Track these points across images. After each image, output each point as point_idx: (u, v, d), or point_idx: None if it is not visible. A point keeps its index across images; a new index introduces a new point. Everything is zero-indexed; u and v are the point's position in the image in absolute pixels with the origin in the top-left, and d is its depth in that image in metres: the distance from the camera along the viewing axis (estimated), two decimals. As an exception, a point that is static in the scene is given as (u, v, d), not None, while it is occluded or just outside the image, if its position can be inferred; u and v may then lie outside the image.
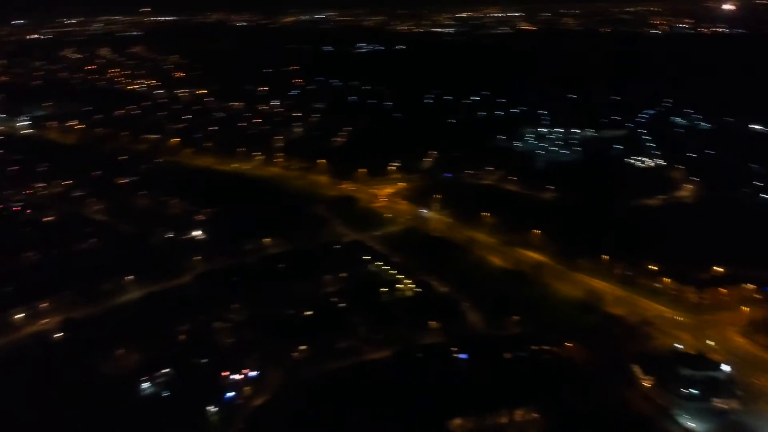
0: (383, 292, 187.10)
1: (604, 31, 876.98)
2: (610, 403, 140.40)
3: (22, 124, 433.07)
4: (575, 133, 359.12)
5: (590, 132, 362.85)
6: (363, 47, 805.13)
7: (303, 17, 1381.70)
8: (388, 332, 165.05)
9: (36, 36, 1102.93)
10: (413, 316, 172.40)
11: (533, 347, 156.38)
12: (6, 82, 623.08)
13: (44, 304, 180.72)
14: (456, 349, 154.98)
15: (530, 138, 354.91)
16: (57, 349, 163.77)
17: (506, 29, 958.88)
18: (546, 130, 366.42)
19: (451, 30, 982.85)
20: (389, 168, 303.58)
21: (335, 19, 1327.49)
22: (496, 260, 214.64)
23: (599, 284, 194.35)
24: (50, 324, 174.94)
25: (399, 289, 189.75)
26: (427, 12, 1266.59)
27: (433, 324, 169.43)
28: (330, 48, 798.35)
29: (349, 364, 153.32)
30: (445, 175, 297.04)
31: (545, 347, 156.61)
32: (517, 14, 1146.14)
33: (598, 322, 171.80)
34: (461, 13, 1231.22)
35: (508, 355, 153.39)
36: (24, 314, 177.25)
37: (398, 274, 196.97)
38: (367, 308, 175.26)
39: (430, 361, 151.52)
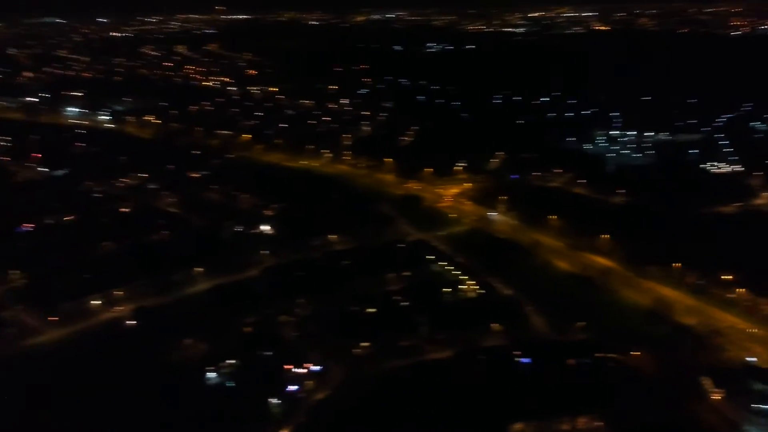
0: (446, 292, 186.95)
1: (681, 31, 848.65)
2: (677, 415, 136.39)
3: (103, 117, 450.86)
4: (648, 136, 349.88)
5: (664, 136, 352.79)
6: (432, 47, 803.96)
7: (374, 16, 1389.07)
8: (450, 333, 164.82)
9: (118, 33, 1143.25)
10: (476, 317, 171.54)
11: (598, 354, 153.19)
12: (89, 77, 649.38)
13: (119, 292, 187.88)
14: (518, 352, 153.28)
15: (601, 141, 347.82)
16: (129, 336, 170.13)
17: (579, 29, 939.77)
18: (618, 132, 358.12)
19: (522, 30, 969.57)
20: (455, 168, 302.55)
21: (405, 19, 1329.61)
22: (563, 264, 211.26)
23: (669, 292, 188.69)
24: (123, 311, 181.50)
25: (462, 290, 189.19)
26: (498, 12, 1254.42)
27: (495, 326, 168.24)
28: (399, 47, 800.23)
29: (411, 363, 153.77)
30: (512, 176, 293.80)
31: (611, 355, 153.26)
32: (590, 14, 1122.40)
33: (667, 331, 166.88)
34: (533, 12, 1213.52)
35: (571, 362, 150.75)
36: (100, 301, 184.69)
37: (462, 274, 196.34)
38: (429, 308, 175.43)
39: (491, 363, 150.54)
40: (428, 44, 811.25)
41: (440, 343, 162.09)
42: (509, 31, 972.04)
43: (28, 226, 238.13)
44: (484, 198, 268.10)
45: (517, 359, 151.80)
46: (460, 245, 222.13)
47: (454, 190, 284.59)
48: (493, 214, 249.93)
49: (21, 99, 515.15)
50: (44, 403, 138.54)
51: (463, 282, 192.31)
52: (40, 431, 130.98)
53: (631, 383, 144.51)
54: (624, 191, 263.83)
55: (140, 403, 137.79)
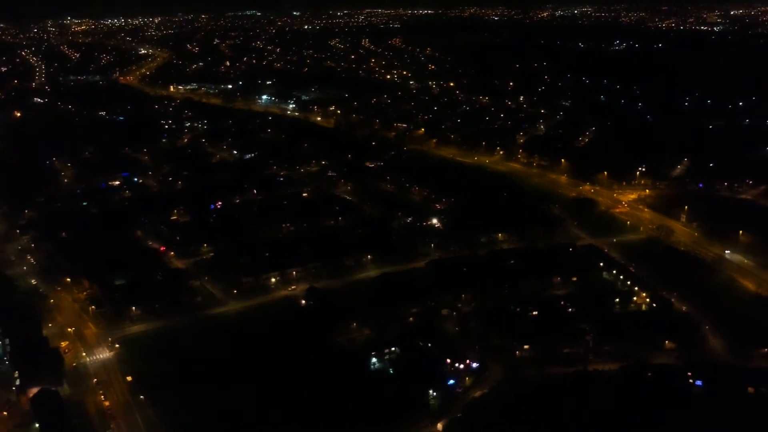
0: (616, 302, 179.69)
1: None
2: None
3: (291, 106, 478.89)
4: None
5: None
6: (618, 44, 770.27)
7: (558, 12, 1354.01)
8: (617, 345, 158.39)
9: (309, 27, 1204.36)
10: (647, 332, 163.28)
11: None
12: (280, 68, 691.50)
13: (294, 272, 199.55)
14: (691, 374, 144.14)
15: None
16: (301, 314, 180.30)
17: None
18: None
19: (719, 29, 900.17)
20: (635, 173, 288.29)
21: (591, 15, 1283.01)
22: (748, 284, 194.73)
23: None
24: (297, 291, 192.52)
25: (634, 301, 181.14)
26: (694, 8, 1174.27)
27: (668, 344, 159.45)
28: (583, 44, 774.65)
29: (573, 371, 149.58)
30: (698, 185, 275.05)
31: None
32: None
33: None
34: (734, 10, 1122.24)
35: (750, 390, 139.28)
36: (277, 279, 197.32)
37: (634, 285, 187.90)
38: (597, 317, 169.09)
39: (660, 382, 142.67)
40: (614, 42, 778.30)
41: (605, 355, 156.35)
42: (704, 30, 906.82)
43: (218, 204, 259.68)
44: (665, 206, 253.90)
45: (689, 381, 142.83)
46: (635, 254, 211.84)
47: (632, 196, 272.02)
48: (674, 224, 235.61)
49: (221, 86, 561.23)
50: (219, 368, 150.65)
51: (635, 293, 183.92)
52: (212, 392, 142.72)
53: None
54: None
55: (305, 379, 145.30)
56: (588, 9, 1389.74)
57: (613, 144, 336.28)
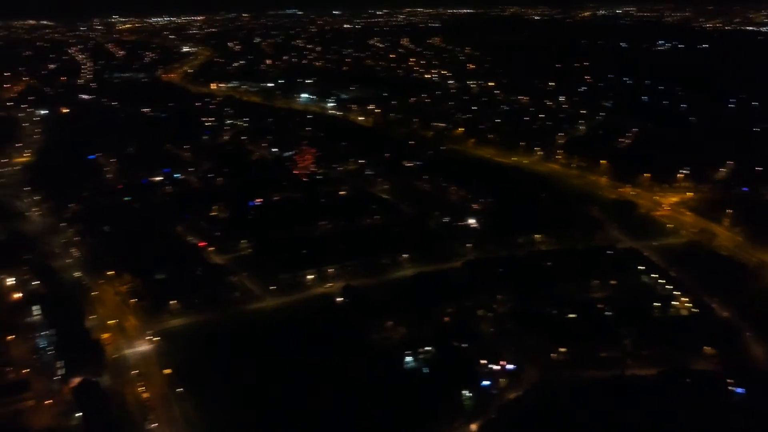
0: (656, 306, 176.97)
1: None
2: None
3: (330, 105, 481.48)
4: None
5: None
6: (662, 44, 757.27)
7: (601, 12, 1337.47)
8: (656, 350, 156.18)
9: (349, 26, 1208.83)
10: (687, 337, 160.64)
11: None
12: (320, 67, 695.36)
13: (331, 270, 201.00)
14: (732, 381, 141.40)
15: None
16: (337, 311, 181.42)
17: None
18: None
19: (766, 29, 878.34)
20: (677, 175, 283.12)
21: (634, 15, 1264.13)
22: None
23: None
24: (334, 288, 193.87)
25: (674, 306, 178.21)
26: (741, 8, 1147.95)
27: (708, 350, 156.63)
28: (625, 44, 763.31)
29: (610, 375, 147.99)
30: (742, 189, 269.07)
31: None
32: None
33: None
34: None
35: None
36: (314, 276, 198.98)
37: (675, 290, 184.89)
38: (636, 321, 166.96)
39: (699, 388, 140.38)
40: (657, 41, 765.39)
41: (644, 360, 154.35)
42: (752, 30, 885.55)
43: (258, 201, 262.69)
44: (707, 210, 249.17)
45: (729, 388, 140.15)
46: (676, 258, 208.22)
47: (674, 199, 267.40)
48: (716, 228, 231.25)
49: (261, 84, 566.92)
50: (256, 363, 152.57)
51: (675, 298, 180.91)
52: (248, 387, 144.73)
53: None
54: None
55: (339, 376, 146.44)
56: (631, 9, 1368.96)
57: (655, 145, 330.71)
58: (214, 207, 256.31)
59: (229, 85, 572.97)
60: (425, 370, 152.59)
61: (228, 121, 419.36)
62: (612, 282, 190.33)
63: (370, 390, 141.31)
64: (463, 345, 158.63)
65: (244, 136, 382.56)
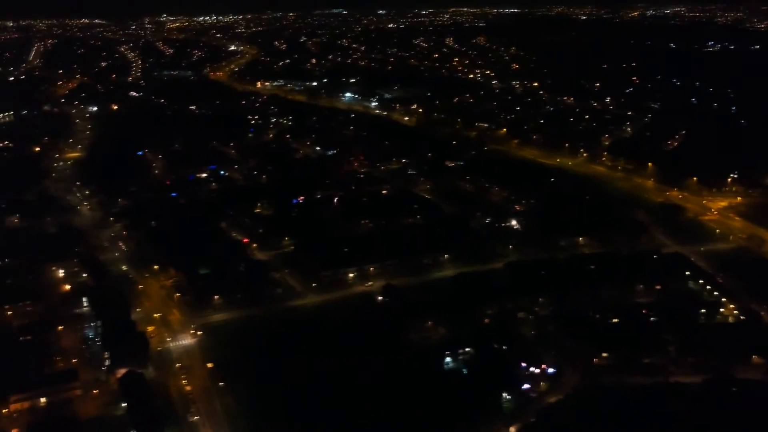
0: (702, 313, 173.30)
1: None
2: None
3: (373, 104, 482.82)
4: None
5: None
6: (712, 45, 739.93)
7: (650, 12, 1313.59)
8: (701, 358, 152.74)
9: (394, 25, 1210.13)
10: (733, 345, 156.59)
11: None
12: (364, 66, 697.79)
13: (372, 268, 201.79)
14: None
15: None
16: (377, 310, 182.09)
17: None
18: None
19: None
20: (726, 179, 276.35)
21: (684, 15, 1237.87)
22: None
23: None
24: (374, 287, 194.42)
25: (721, 313, 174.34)
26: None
27: (755, 359, 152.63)
28: (674, 45, 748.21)
29: (653, 382, 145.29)
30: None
31: None
32: None
33: None
34: None
35: None
36: (355, 274, 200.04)
37: (722, 296, 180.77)
38: (681, 327, 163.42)
39: (746, 398, 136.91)
40: (708, 42, 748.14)
41: (688, 367, 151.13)
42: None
43: (300, 199, 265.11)
44: (758, 215, 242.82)
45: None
46: (724, 264, 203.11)
47: (722, 203, 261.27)
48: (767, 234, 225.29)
49: (306, 83, 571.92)
50: (296, 359, 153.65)
51: (722, 304, 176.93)
52: (288, 383, 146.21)
53: None
54: None
55: (378, 375, 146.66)
56: (681, 9, 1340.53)
57: (703, 148, 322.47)
58: (258, 204, 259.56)
59: (275, 83, 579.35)
60: (464, 371, 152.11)
61: (272, 120, 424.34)
62: (657, 287, 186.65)
63: (408, 390, 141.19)
64: (503, 347, 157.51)
65: (288, 134, 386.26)
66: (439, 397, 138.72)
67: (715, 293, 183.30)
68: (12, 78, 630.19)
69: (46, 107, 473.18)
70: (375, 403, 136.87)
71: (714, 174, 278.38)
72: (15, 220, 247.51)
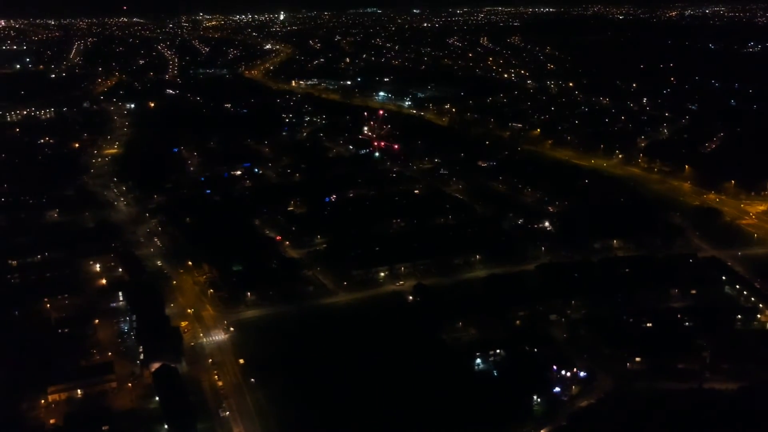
0: (738, 318, 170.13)
1: None
2: None
3: (407, 103, 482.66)
4: None
5: None
6: (753, 46, 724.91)
7: (688, 11, 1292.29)
8: (737, 364, 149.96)
9: (428, 24, 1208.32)
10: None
11: None
12: (398, 65, 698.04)
13: (403, 267, 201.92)
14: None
15: None
16: (408, 310, 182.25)
17: None
18: None
19: None
20: (765, 183, 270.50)
21: (724, 15, 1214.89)
22: None
23: None
24: (405, 286, 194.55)
25: (758, 319, 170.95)
26: None
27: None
28: (713, 46, 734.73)
29: (686, 388, 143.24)
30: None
31: None
32: None
33: None
34: None
35: None
36: (386, 273, 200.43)
37: (759, 302, 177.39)
38: (716, 333, 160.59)
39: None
40: (748, 43, 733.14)
41: (723, 373, 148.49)
42: None
43: (333, 197, 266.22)
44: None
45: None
46: (762, 269, 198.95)
47: (761, 207, 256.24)
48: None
49: (340, 82, 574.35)
50: (327, 357, 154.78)
51: (760, 311, 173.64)
52: (318, 380, 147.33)
53: None
54: None
55: (408, 374, 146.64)
56: (720, 9, 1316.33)
57: (742, 151, 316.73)
58: (291, 202, 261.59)
59: (309, 82, 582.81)
60: (495, 372, 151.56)
61: (306, 118, 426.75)
62: (692, 292, 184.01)
63: (438, 390, 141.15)
64: (534, 349, 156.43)
65: (322, 133, 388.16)
66: (469, 399, 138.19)
67: (752, 299, 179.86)
68: (53, 76, 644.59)
69: (85, 104, 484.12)
70: (404, 402, 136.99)
71: (752, 177, 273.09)
72: (54, 214, 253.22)
